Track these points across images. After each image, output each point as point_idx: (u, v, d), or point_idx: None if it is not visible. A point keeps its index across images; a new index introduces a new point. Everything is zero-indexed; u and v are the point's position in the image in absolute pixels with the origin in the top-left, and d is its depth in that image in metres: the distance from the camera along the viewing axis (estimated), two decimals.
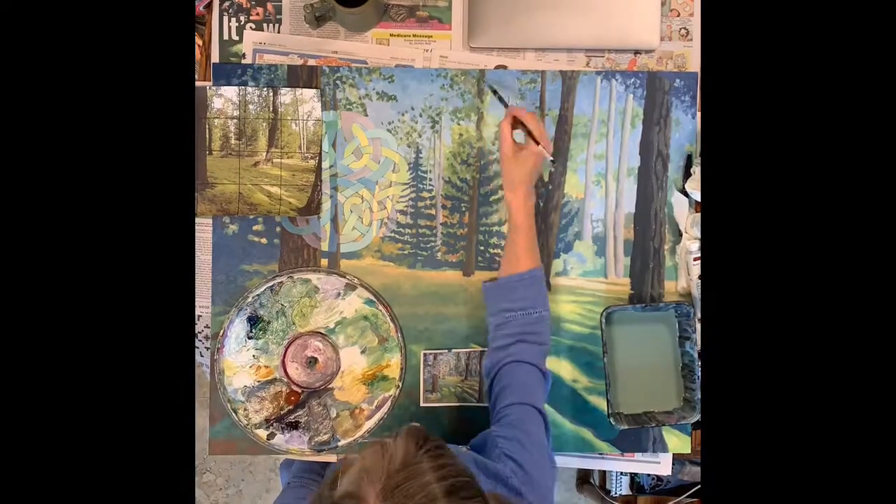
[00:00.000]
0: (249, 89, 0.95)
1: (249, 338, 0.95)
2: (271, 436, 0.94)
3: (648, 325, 0.97)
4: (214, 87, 0.95)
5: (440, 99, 0.97)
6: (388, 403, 0.95)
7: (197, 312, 0.97)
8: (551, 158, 0.87)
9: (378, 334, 0.96)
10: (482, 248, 0.98)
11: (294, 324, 0.95)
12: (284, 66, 0.96)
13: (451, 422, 0.97)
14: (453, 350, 0.97)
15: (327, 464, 0.98)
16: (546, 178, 0.98)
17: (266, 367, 0.95)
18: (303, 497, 0.91)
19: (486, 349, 0.97)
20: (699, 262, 0.94)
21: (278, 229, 0.97)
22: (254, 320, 0.95)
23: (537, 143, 0.85)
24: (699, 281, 0.95)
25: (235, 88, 0.95)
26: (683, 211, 0.97)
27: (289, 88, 0.95)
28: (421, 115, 0.97)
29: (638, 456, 0.99)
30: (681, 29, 0.99)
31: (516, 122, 0.88)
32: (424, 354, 0.96)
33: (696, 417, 0.94)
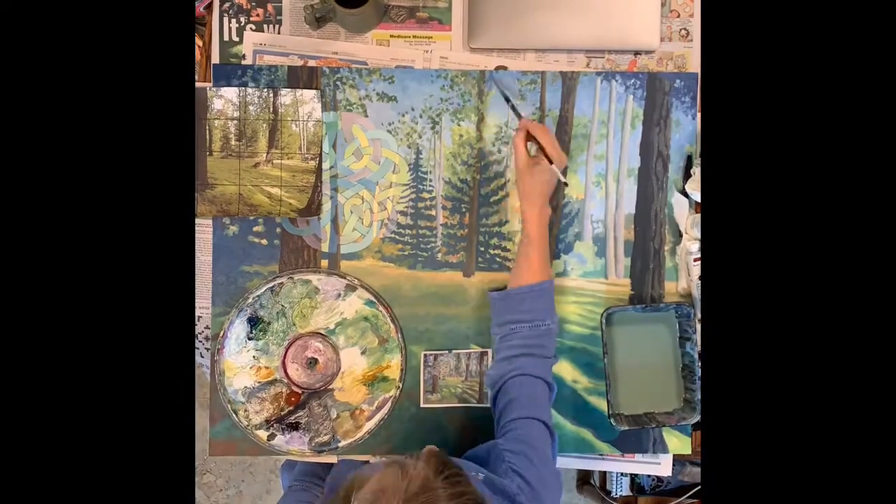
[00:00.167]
0: (249, 90, 0.95)
1: (250, 339, 0.95)
2: (272, 437, 0.94)
3: (649, 326, 0.97)
4: (214, 88, 0.95)
5: (440, 100, 0.97)
6: (389, 404, 0.95)
7: (197, 313, 0.97)
8: (564, 181, 0.87)
9: (378, 335, 0.96)
10: (482, 248, 0.98)
11: (294, 325, 0.95)
12: (284, 67, 0.96)
13: (452, 423, 0.97)
14: (453, 351, 0.97)
15: (329, 466, 0.98)
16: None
17: (266, 367, 0.95)
18: (306, 501, 0.91)
19: (485, 349, 0.97)
20: (699, 262, 0.94)
21: (278, 230, 0.97)
22: (254, 321, 0.95)
23: (550, 161, 0.85)
24: (699, 281, 0.95)
25: (236, 89, 0.95)
26: (683, 212, 0.97)
27: (289, 89, 0.95)
28: (421, 116, 0.98)
29: (638, 457, 0.99)
30: (681, 30, 0.99)
31: (530, 135, 0.87)
32: (425, 355, 0.96)
33: (697, 418, 0.94)
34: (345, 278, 0.96)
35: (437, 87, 0.97)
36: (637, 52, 0.99)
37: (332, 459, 0.97)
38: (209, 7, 0.97)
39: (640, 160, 0.98)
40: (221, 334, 0.94)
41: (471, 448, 0.84)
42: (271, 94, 0.94)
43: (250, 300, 0.94)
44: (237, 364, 0.95)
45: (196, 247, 0.96)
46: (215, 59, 0.97)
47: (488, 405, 0.96)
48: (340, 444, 0.95)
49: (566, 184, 0.90)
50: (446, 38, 0.98)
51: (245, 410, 0.94)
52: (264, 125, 0.94)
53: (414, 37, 0.98)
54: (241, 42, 0.97)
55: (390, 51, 0.98)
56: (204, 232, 0.97)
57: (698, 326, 0.95)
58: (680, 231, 0.97)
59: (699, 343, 0.94)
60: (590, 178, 0.98)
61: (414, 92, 0.97)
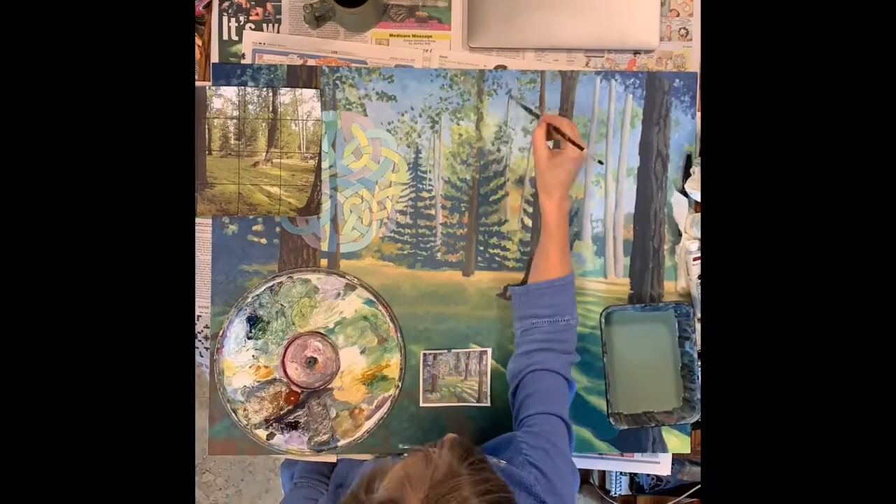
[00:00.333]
0: (249, 89, 0.95)
1: (249, 338, 0.95)
2: (271, 436, 0.94)
3: (648, 325, 0.97)
4: (214, 88, 0.95)
5: (440, 99, 0.97)
6: (388, 403, 0.95)
7: (196, 312, 0.97)
8: (600, 160, 0.89)
9: (378, 334, 0.96)
10: (482, 248, 0.98)
11: (294, 324, 0.95)
12: (284, 67, 0.96)
13: (451, 422, 0.97)
14: (453, 350, 0.97)
15: (332, 465, 0.98)
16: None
17: (265, 367, 0.95)
18: (311, 498, 0.91)
19: (485, 349, 0.97)
20: (699, 262, 0.94)
21: (278, 229, 0.97)
22: (253, 320, 0.95)
23: (580, 147, 0.84)
24: (699, 281, 0.95)
25: (235, 88, 0.95)
26: (683, 211, 0.97)
27: (288, 88, 0.95)
28: (420, 116, 0.97)
29: (637, 456, 0.99)
30: (680, 29, 0.99)
31: (549, 131, 0.87)
32: (424, 354, 0.96)
33: (696, 417, 0.94)
34: (344, 277, 0.96)
35: (436, 87, 0.97)
36: (636, 52, 0.99)
37: (332, 459, 0.97)
38: (209, 6, 0.97)
39: (639, 159, 0.98)
40: (221, 333, 0.94)
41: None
42: (270, 94, 0.94)
43: (249, 299, 0.94)
44: (236, 363, 0.95)
45: (195, 246, 0.96)
46: (215, 58, 0.97)
47: (487, 405, 0.96)
48: (340, 444, 0.95)
49: (601, 162, 0.92)
50: (446, 38, 0.98)
51: (244, 410, 0.94)
52: (263, 124, 0.94)
53: (413, 36, 0.98)
54: (240, 41, 0.97)
55: (390, 50, 0.98)
56: (203, 231, 0.97)
57: (698, 326, 0.95)
58: (679, 230, 0.97)
59: (698, 342, 0.94)
60: (589, 177, 0.98)
61: (413, 91, 0.97)
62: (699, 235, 0.94)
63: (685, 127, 0.98)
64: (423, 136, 0.98)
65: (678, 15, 0.99)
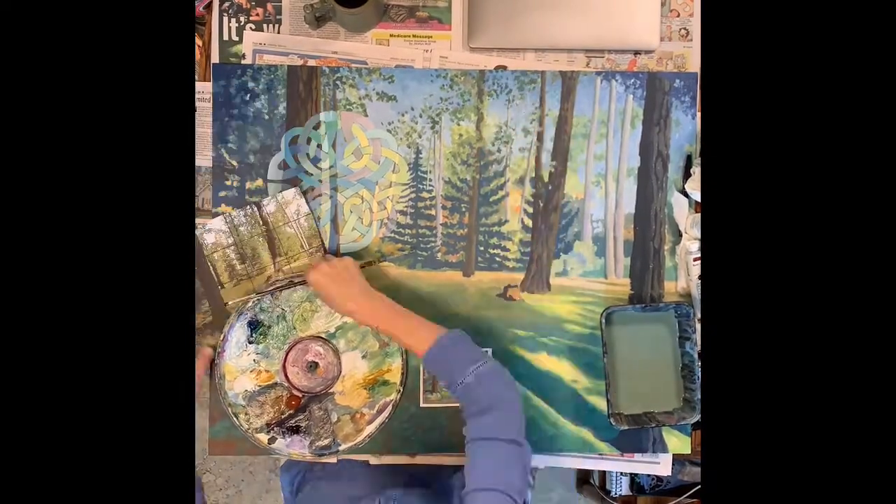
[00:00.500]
0: (234, 213, 0.95)
1: (250, 342, 0.95)
2: (272, 440, 0.94)
3: (648, 326, 0.97)
4: (201, 226, 0.95)
5: (440, 99, 0.97)
6: (389, 408, 0.95)
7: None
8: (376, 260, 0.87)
9: (379, 339, 0.95)
10: (482, 248, 0.98)
11: (295, 328, 0.95)
12: (284, 67, 0.96)
13: (451, 422, 0.97)
14: None
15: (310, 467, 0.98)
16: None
17: (267, 371, 0.95)
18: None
19: (486, 349, 0.97)
20: (699, 262, 0.94)
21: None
22: (254, 325, 0.94)
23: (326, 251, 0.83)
24: (699, 281, 0.95)
25: (220, 218, 0.95)
26: (683, 211, 0.97)
27: (269, 197, 0.95)
28: (421, 116, 0.97)
29: (638, 456, 0.99)
30: (681, 29, 0.99)
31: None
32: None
33: (696, 418, 0.94)
34: None
35: (436, 87, 0.97)
36: (637, 52, 0.99)
37: (332, 461, 0.97)
38: (209, 6, 0.97)
39: (639, 160, 0.98)
40: (222, 338, 0.94)
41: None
42: (255, 209, 0.95)
43: (250, 304, 0.94)
44: (237, 367, 0.94)
45: (196, 247, 0.96)
46: (215, 58, 0.97)
47: None
48: (341, 448, 0.95)
49: (373, 262, 0.88)
50: (446, 38, 0.98)
51: (245, 414, 0.94)
52: (261, 239, 0.95)
53: (414, 36, 0.98)
54: (240, 41, 0.97)
55: (390, 50, 0.98)
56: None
57: (698, 326, 0.95)
58: (679, 231, 0.97)
59: (699, 343, 0.94)
60: (589, 177, 0.98)
61: (414, 91, 0.97)
62: (699, 236, 0.94)
63: (685, 127, 0.98)
64: (424, 136, 0.98)
65: (678, 15, 0.99)
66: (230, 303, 0.93)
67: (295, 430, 0.94)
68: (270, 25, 0.98)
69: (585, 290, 0.98)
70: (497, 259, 0.98)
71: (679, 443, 0.98)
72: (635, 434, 0.98)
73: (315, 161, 0.97)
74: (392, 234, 0.98)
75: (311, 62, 0.97)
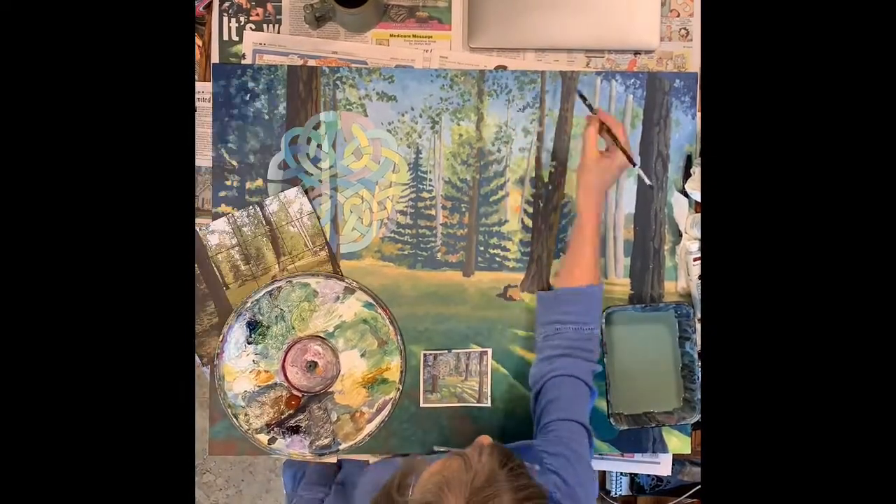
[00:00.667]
0: (237, 213, 0.95)
1: (249, 343, 0.94)
2: (272, 440, 0.94)
3: (648, 326, 0.97)
4: (205, 227, 0.95)
5: (440, 99, 0.97)
6: (389, 406, 0.95)
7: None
8: (650, 183, 0.88)
9: (378, 337, 0.95)
10: (482, 248, 0.98)
11: (293, 328, 0.95)
12: (284, 67, 0.96)
13: (451, 422, 0.97)
14: (453, 350, 0.97)
15: (335, 473, 0.98)
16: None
17: (266, 371, 0.95)
18: (316, 498, 0.90)
19: (486, 350, 0.97)
20: (699, 262, 0.94)
21: None
22: (253, 325, 0.94)
23: (632, 163, 0.85)
24: (699, 281, 0.95)
25: (223, 218, 0.95)
26: (683, 211, 0.97)
27: (271, 196, 0.95)
28: (421, 116, 0.97)
29: (638, 456, 0.99)
30: (681, 29, 0.99)
31: (601, 130, 0.86)
32: (424, 355, 0.96)
33: (696, 418, 0.94)
34: (343, 281, 0.95)
35: (436, 87, 0.97)
36: (637, 52, 0.99)
37: (332, 460, 0.97)
38: (209, 6, 0.97)
39: (639, 160, 0.98)
40: (220, 339, 0.94)
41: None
42: (258, 209, 0.95)
43: (249, 304, 0.94)
44: (236, 368, 0.94)
45: (196, 247, 0.96)
46: (215, 58, 0.97)
47: (487, 405, 0.96)
48: (341, 447, 0.95)
49: (651, 186, 0.89)
50: (446, 38, 0.98)
51: (245, 414, 0.94)
52: (264, 239, 0.95)
53: (414, 36, 0.98)
54: (240, 41, 0.97)
55: (390, 50, 0.98)
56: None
57: (698, 326, 0.95)
58: (679, 231, 0.97)
59: (699, 343, 0.94)
60: None
61: (414, 91, 0.97)
62: (699, 236, 0.94)
63: (685, 127, 0.98)
64: (424, 136, 0.98)
65: (678, 15, 0.99)
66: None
67: (295, 430, 0.94)
68: (270, 25, 0.98)
69: None
70: (497, 259, 0.98)
71: (679, 443, 0.98)
72: (635, 434, 0.98)
73: (315, 161, 0.97)
74: (392, 234, 0.98)
75: (311, 62, 0.97)
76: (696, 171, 0.96)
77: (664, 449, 0.98)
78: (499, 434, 0.96)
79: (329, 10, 0.92)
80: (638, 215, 0.99)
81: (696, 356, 0.94)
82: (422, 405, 0.97)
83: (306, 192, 0.96)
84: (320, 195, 0.97)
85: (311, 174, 0.97)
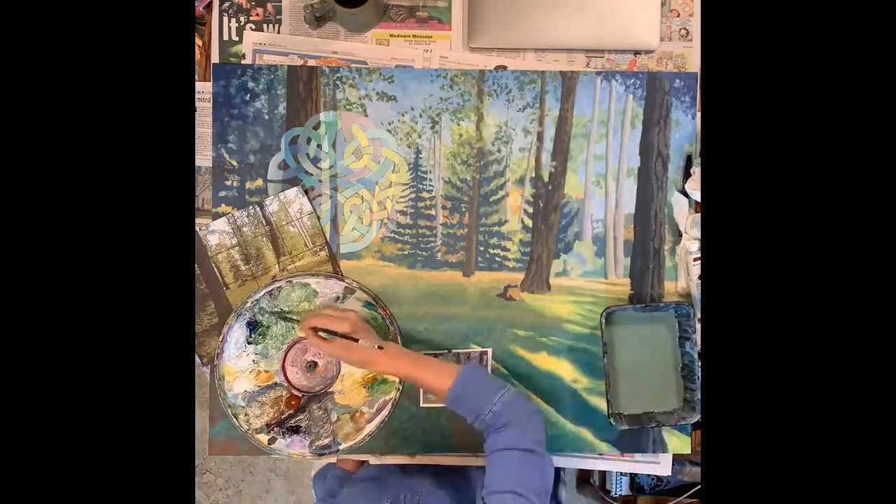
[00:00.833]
0: (237, 213, 0.95)
1: (249, 343, 0.95)
2: (272, 440, 0.94)
3: (648, 326, 0.97)
4: (205, 227, 0.95)
5: (440, 99, 0.97)
6: (389, 406, 0.95)
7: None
8: (379, 346, 0.82)
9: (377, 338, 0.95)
10: (482, 248, 0.98)
11: (293, 328, 0.95)
12: (284, 67, 0.96)
13: (450, 422, 0.96)
14: (453, 350, 0.97)
15: (347, 475, 0.98)
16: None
17: (266, 371, 0.95)
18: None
19: (486, 350, 0.97)
20: (699, 262, 0.94)
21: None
22: (253, 325, 0.94)
23: (354, 340, 0.82)
24: (699, 281, 0.95)
25: (223, 218, 0.95)
26: (683, 211, 0.97)
27: (271, 196, 0.95)
28: (421, 116, 0.97)
29: (638, 456, 0.99)
30: (681, 29, 0.99)
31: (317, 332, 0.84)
32: (424, 355, 0.96)
33: (696, 418, 0.94)
34: (343, 281, 0.95)
35: (436, 87, 0.97)
36: (637, 52, 0.99)
37: (332, 460, 0.97)
38: (209, 6, 0.97)
39: (639, 160, 0.98)
40: (221, 339, 0.94)
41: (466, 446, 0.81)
42: (258, 209, 0.95)
43: (249, 304, 0.94)
44: (236, 368, 0.94)
45: (196, 248, 0.96)
46: (215, 58, 0.97)
47: None
48: (341, 447, 0.95)
49: (381, 347, 0.83)
50: (446, 38, 0.98)
51: (245, 414, 0.94)
52: (264, 239, 0.96)
53: (414, 36, 0.98)
54: (240, 41, 0.97)
55: (390, 50, 0.98)
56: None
57: (698, 326, 0.95)
58: (679, 231, 0.97)
59: (699, 343, 0.94)
60: (589, 177, 0.98)
61: (414, 91, 0.97)
62: (699, 236, 0.94)
63: (685, 127, 0.98)
64: (424, 136, 0.98)
65: (678, 15, 0.99)
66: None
67: (295, 430, 0.94)
68: (270, 25, 0.98)
69: (585, 290, 0.98)
70: (497, 259, 0.98)
71: (679, 443, 0.98)
72: (635, 434, 0.98)
73: (315, 161, 0.97)
74: (392, 234, 0.98)
75: (311, 62, 0.97)
76: (696, 171, 0.96)
77: (664, 449, 0.98)
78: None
79: (329, 10, 0.92)
80: (638, 215, 0.99)
81: (696, 356, 0.94)
82: (422, 405, 0.97)
83: (306, 192, 0.96)
84: (320, 195, 0.97)
85: (311, 174, 0.97)
